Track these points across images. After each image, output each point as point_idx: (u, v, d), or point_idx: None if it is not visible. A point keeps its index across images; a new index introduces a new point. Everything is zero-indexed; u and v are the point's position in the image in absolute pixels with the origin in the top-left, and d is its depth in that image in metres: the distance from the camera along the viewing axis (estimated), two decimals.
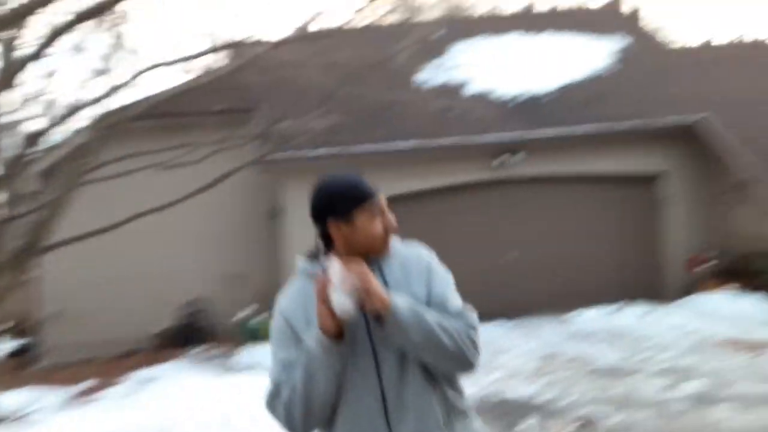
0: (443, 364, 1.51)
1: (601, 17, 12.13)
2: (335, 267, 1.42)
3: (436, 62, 9.35)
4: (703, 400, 4.67)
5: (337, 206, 1.52)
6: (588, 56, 10.01)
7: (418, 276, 1.57)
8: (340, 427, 1.50)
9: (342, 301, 1.38)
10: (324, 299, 1.41)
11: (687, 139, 8.72)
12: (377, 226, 1.54)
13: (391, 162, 8.21)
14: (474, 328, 1.54)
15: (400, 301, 1.44)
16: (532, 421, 4.55)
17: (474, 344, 1.52)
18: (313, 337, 1.44)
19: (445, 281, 1.60)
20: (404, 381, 1.48)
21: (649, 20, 12.63)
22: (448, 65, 9.22)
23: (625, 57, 10.24)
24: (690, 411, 4.49)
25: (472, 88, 9.27)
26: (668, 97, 9.13)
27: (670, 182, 8.93)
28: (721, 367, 5.50)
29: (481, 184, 8.58)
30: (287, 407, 1.46)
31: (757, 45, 12.23)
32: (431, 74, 9.04)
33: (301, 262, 1.64)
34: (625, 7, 13.18)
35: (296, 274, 1.64)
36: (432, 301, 1.53)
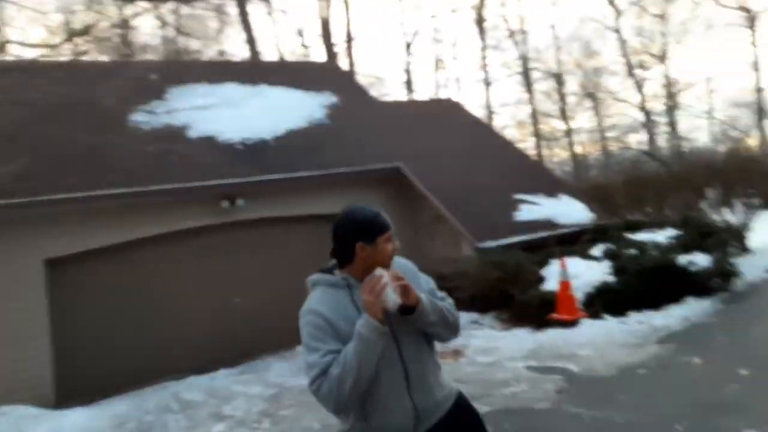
0: (445, 333, 2.09)
1: (320, 73, 13.24)
2: (384, 274, 1.90)
3: (154, 105, 8.95)
4: None
5: (365, 233, 2.01)
6: (307, 108, 10.76)
7: (412, 278, 2.07)
8: (376, 394, 1.94)
9: (393, 297, 1.88)
10: (377, 296, 1.86)
11: (392, 183, 9.94)
12: (390, 249, 2.05)
13: (100, 209, 7.51)
14: (454, 306, 2.16)
15: (422, 296, 1.99)
16: None
17: (458, 317, 2.14)
18: (364, 326, 1.86)
19: (428, 279, 2.21)
20: (418, 356, 2.03)
21: (362, 77, 14.23)
22: (167, 109, 8.90)
23: (341, 109, 11.29)
24: None
25: (194, 132, 9.14)
26: (377, 147, 10.33)
27: None
28: None
29: (205, 229, 8.40)
30: (338, 382, 1.85)
31: (449, 103, 14.72)
32: (149, 117, 8.61)
33: (319, 276, 2.09)
34: (343, 65, 14.62)
35: (315, 285, 2.08)
36: (430, 294, 2.10)
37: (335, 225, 2.06)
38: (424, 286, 2.14)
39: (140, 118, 8.55)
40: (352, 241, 2.01)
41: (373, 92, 23.28)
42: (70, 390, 7.12)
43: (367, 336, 1.85)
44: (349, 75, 15.57)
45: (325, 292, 2.03)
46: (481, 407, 4.94)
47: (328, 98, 11.43)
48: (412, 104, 16.89)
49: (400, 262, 2.15)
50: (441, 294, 2.17)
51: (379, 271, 1.91)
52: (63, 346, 7.34)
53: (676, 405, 4.36)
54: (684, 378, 5.03)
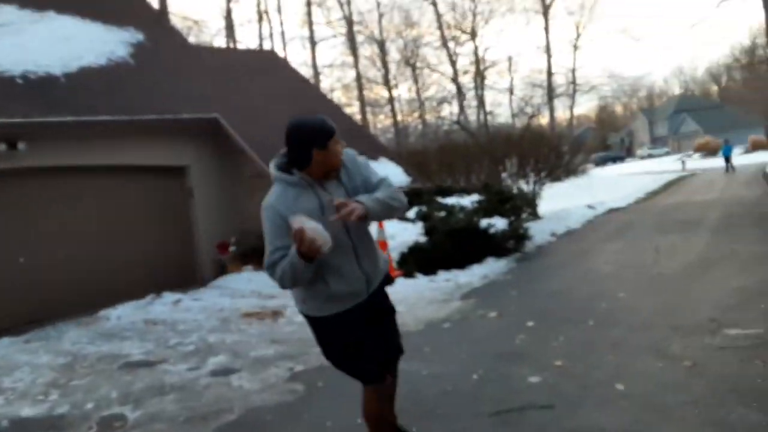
0: (395, 214, 2.52)
1: (123, 6, 11.70)
2: (312, 224, 2.14)
3: None
4: (225, 371, 5.03)
5: (319, 139, 2.29)
6: (107, 43, 9.44)
7: (354, 170, 2.46)
8: (334, 269, 2.38)
9: (324, 235, 2.16)
10: (315, 252, 2.15)
11: (208, 135, 9.29)
12: (339, 149, 2.36)
13: None
14: (394, 186, 2.48)
15: (365, 200, 2.29)
16: None
17: (401, 194, 2.50)
18: (296, 259, 2.19)
19: (366, 165, 2.54)
20: (362, 238, 2.48)
21: (176, 19, 12.94)
22: None
23: (149, 50, 10.15)
24: (213, 384, 4.76)
25: None
26: (191, 95, 9.51)
27: (195, 173, 9.36)
28: (241, 338, 6.07)
29: None
30: (281, 278, 2.31)
31: (272, 56, 14.10)
32: None
33: (277, 173, 2.40)
34: (152, 1, 13.12)
35: (276, 180, 2.39)
36: (365, 180, 2.45)
37: (290, 136, 2.32)
38: (364, 174, 2.47)
39: None
40: (309, 148, 2.29)
41: (192, 39, 21.52)
42: None
43: (299, 267, 2.21)
44: (160, 13, 14.07)
45: (286, 189, 2.34)
46: (297, 366, 4.92)
47: (133, 35, 10.19)
48: (232, 53, 15.94)
49: (346, 154, 2.46)
50: (377, 179, 2.48)
51: (307, 227, 2.11)
52: None
53: (474, 355, 4.73)
54: (482, 330, 5.50)
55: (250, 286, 8.48)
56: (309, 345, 5.52)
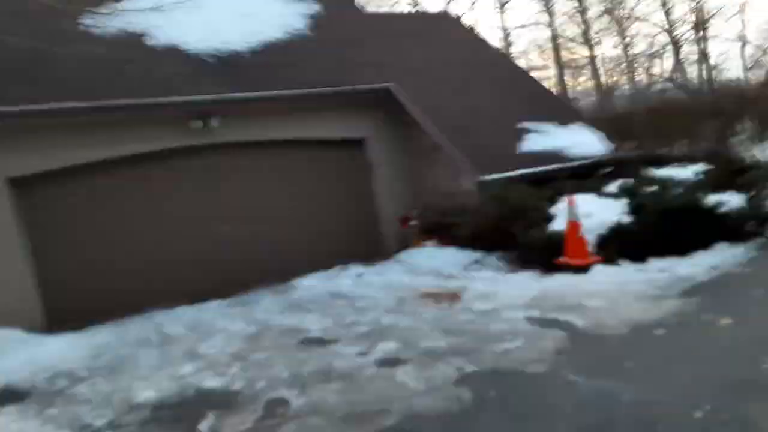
0: None
1: None
2: None
3: (109, 6, 7.69)
4: (392, 362, 4.60)
5: None
6: (285, 16, 9.47)
7: None
8: None
9: None
10: None
11: (384, 106, 8.89)
12: None
13: (50, 126, 6.66)
14: None
15: None
16: (207, 422, 3.93)
17: None
18: None
19: None
20: None
21: None
22: (117, 10, 7.66)
23: (324, 20, 10.02)
24: (378, 377, 4.37)
25: (154, 40, 7.99)
26: (365, 64, 9.20)
27: (374, 145, 9.07)
28: (414, 323, 5.60)
29: (177, 152, 7.53)
30: None
31: (447, 18, 13.27)
32: (100, 21, 7.42)
33: None
34: None
35: None
36: None
37: None
38: None
39: (88, 21, 7.34)
40: None
41: (372, 7, 21.42)
42: (62, 314, 6.64)
43: None
44: None
45: None
46: (467, 365, 4.28)
47: (310, 6, 10.11)
48: (406, 18, 15.37)
49: None
50: None
51: None
52: (48, 269, 6.83)
53: (698, 381, 3.59)
54: (710, 344, 4.22)
55: (430, 263, 8.02)
56: (485, 340, 4.83)
